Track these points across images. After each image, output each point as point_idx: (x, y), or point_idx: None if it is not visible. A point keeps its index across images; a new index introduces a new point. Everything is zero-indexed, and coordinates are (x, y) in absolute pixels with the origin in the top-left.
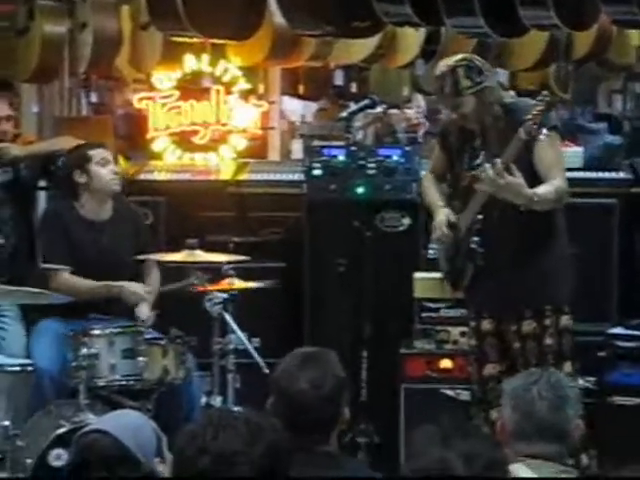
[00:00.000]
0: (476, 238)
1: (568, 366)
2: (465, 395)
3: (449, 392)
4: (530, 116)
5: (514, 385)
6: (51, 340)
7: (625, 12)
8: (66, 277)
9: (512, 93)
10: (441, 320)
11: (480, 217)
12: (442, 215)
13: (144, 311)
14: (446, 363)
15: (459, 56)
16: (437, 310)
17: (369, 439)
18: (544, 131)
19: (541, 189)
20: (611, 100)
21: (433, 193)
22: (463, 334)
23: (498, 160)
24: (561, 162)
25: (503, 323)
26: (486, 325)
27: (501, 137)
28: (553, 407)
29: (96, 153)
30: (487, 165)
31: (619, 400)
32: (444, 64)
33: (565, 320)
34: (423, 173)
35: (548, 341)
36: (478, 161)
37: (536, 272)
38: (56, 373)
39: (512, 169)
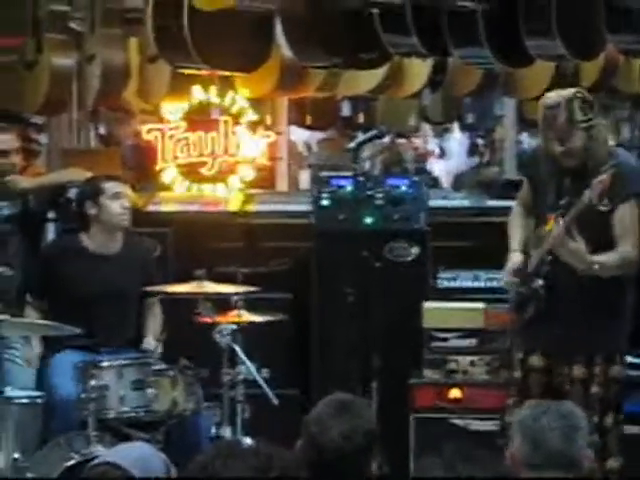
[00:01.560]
0: (541, 281)
1: (611, 417)
2: (475, 425)
3: (459, 422)
4: (596, 182)
5: (524, 414)
6: (71, 371)
7: (632, 41)
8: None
9: (610, 164)
10: (450, 350)
11: (549, 258)
12: (510, 262)
13: (150, 343)
14: (456, 393)
15: (573, 89)
16: (446, 340)
17: (379, 470)
18: (606, 201)
19: (603, 257)
20: (619, 128)
21: (513, 231)
22: (473, 363)
23: (561, 221)
24: (634, 231)
25: (555, 362)
26: (535, 361)
27: (583, 188)
28: (563, 437)
29: (109, 186)
30: (559, 224)
31: (632, 429)
32: (557, 94)
33: (615, 371)
34: (431, 202)
35: (594, 389)
36: (562, 202)
37: (593, 320)
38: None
39: (573, 233)
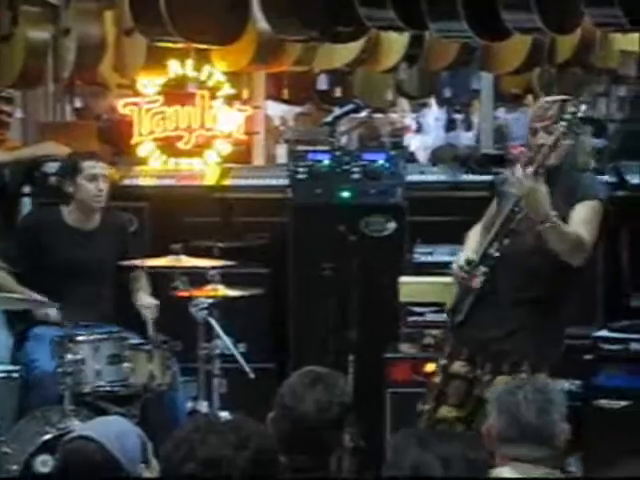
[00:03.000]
0: (484, 269)
1: None
2: None
3: None
4: (559, 125)
5: (500, 390)
6: (48, 345)
7: (608, 15)
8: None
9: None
10: (427, 324)
11: (492, 252)
12: (460, 255)
13: (147, 299)
14: (431, 367)
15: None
16: (423, 314)
17: (354, 443)
18: (552, 156)
19: (562, 223)
20: (595, 103)
21: (468, 240)
22: None
23: (530, 168)
24: (593, 227)
25: (478, 369)
26: (458, 367)
27: (559, 196)
28: (539, 411)
29: (87, 166)
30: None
31: (604, 403)
32: (551, 98)
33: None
34: (408, 177)
35: None
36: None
37: (526, 329)
38: None
39: (539, 179)
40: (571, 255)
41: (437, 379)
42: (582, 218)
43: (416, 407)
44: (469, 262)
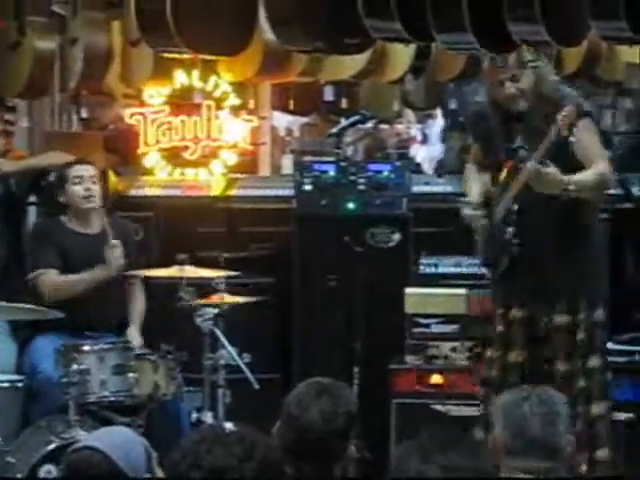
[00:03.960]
0: (510, 229)
1: (596, 360)
2: (455, 411)
3: (440, 407)
4: (560, 117)
5: (505, 401)
6: (53, 354)
7: (614, 28)
8: (53, 278)
9: (571, 99)
10: (432, 336)
11: (515, 207)
12: (470, 194)
13: (135, 336)
14: (437, 378)
15: None
16: (428, 326)
17: (360, 454)
18: (574, 130)
19: (578, 175)
20: (601, 116)
21: (470, 184)
22: (454, 349)
23: (532, 159)
24: (599, 147)
25: (535, 312)
26: (516, 312)
27: (544, 119)
28: (544, 423)
29: (72, 171)
30: (529, 163)
31: (615, 416)
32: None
33: (597, 315)
34: (414, 188)
35: (580, 335)
36: (515, 145)
37: (571, 265)
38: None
39: (546, 163)
40: (601, 192)
41: (499, 328)
42: (589, 145)
43: (423, 411)
44: (481, 205)
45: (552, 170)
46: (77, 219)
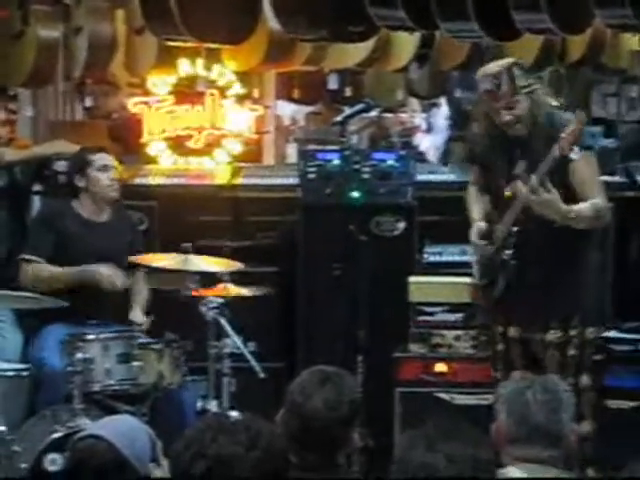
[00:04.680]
0: (509, 251)
1: (585, 379)
2: (460, 399)
3: (444, 396)
4: (564, 135)
5: (509, 389)
6: (58, 343)
7: (619, 16)
8: (38, 267)
9: (574, 116)
10: (436, 324)
11: (515, 229)
12: (474, 228)
13: (138, 315)
14: (441, 367)
15: (508, 59)
16: (432, 314)
17: (364, 442)
18: (576, 149)
19: (578, 205)
20: (605, 104)
21: (472, 206)
22: (458, 338)
23: (533, 176)
24: (598, 181)
25: (529, 332)
26: (513, 332)
27: (543, 146)
28: (548, 411)
29: (97, 158)
30: (529, 179)
31: (615, 404)
32: (496, 64)
33: (589, 333)
34: (418, 177)
35: (571, 352)
36: (517, 170)
37: (566, 284)
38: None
39: (547, 185)
40: (595, 224)
41: (499, 347)
42: (587, 179)
43: (427, 400)
44: (485, 235)
45: (553, 195)
46: (91, 205)
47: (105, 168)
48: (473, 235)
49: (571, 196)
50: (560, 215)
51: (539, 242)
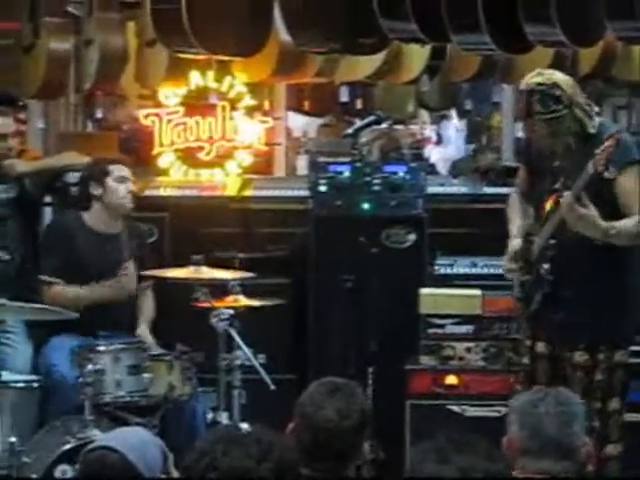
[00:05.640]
0: (546, 265)
1: (616, 402)
2: (471, 411)
3: (455, 408)
4: (599, 151)
5: (521, 401)
6: (68, 354)
7: (630, 29)
8: (59, 290)
9: (598, 121)
10: (447, 336)
11: (552, 242)
12: (509, 248)
13: (145, 332)
14: (452, 379)
15: (543, 76)
16: (443, 326)
17: (375, 455)
18: (612, 169)
19: (620, 222)
20: (616, 116)
21: (512, 216)
22: (469, 350)
23: (568, 193)
24: None
25: (558, 349)
26: (541, 348)
27: (577, 166)
28: (561, 424)
29: (115, 169)
30: (565, 194)
31: (634, 417)
32: (525, 82)
33: (619, 356)
34: (429, 189)
35: (598, 376)
36: (557, 185)
37: (596, 307)
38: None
39: (584, 201)
40: (638, 241)
41: (525, 360)
42: (631, 194)
43: (438, 412)
44: (521, 256)
45: (589, 211)
46: (103, 216)
47: (123, 179)
48: (507, 257)
49: (614, 213)
50: (599, 232)
51: (574, 258)
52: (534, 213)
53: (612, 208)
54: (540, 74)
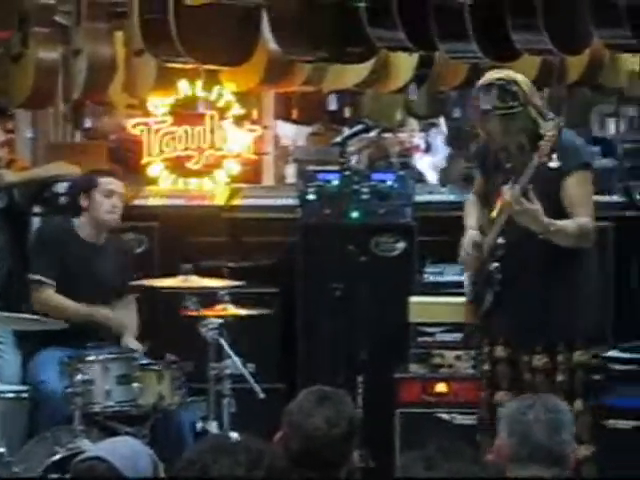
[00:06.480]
0: (496, 264)
1: (579, 404)
2: (460, 419)
3: (445, 416)
4: (543, 142)
5: (510, 409)
6: (57, 365)
7: (617, 36)
8: (50, 294)
9: (552, 124)
10: (436, 344)
11: (501, 241)
12: (467, 236)
13: (132, 341)
14: (441, 387)
15: (502, 73)
16: (432, 334)
17: (364, 463)
18: (554, 157)
19: (562, 221)
20: (604, 124)
21: (468, 215)
22: (458, 358)
23: (516, 186)
24: (589, 201)
25: (516, 352)
26: (499, 352)
27: (526, 165)
28: (549, 431)
29: (104, 182)
30: (512, 187)
31: (615, 424)
32: (485, 78)
33: (578, 356)
34: (417, 197)
35: (559, 378)
36: (509, 185)
37: (549, 305)
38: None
39: (530, 195)
40: (579, 244)
41: (485, 366)
42: (577, 198)
43: (428, 420)
44: (477, 246)
45: (535, 206)
46: (89, 227)
47: (110, 193)
48: (466, 244)
49: (564, 212)
50: (541, 227)
51: (524, 257)
52: (487, 214)
53: (559, 209)
54: (499, 72)
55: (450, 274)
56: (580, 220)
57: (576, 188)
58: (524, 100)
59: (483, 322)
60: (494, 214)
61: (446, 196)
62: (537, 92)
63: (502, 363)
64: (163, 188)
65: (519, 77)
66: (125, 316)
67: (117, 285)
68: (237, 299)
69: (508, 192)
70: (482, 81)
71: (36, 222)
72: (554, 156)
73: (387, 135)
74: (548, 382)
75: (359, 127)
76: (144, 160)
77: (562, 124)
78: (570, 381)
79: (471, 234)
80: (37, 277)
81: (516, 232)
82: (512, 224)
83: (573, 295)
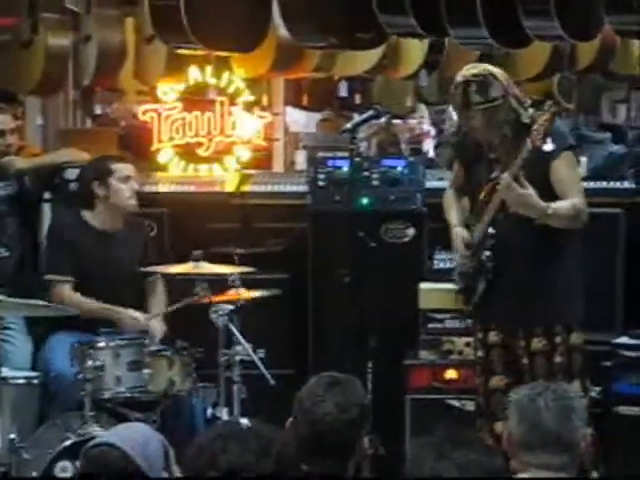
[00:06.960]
0: (488, 253)
1: (577, 385)
2: (470, 405)
3: (454, 402)
4: (536, 126)
5: (520, 396)
6: (68, 351)
7: (629, 22)
8: (68, 292)
9: (530, 112)
10: (446, 331)
11: (492, 231)
12: (457, 237)
13: (157, 328)
14: (451, 374)
15: (478, 68)
16: (442, 321)
17: (374, 450)
18: (549, 141)
19: (556, 203)
20: (615, 110)
21: (450, 210)
22: (468, 344)
23: (507, 173)
24: (578, 181)
25: (511, 337)
26: (493, 337)
27: (512, 156)
28: (560, 418)
29: (118, 168)
30: (504, 174)
31: (625, 410)
32: (461, 74)
33: (575, 338)
34: (427, 184)
35: (558, 359)
36: (494, 174)
37: (546, 290)
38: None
39: (522, 181)
40: (574, 225)
41: (479, 353)
42: (567, 179)
43: (438, 407)
44: (467, 244)
45: (528, 191)
46: (106, 215)
47: (127, 179)
48: (458, 244)
49: (551, 195)
50: (537, 211)
51: (516, 245)
52: (469, 206)
53: (549, 193)
54: (475, 67)
55: None
56: (573, 200)
57: (566, 169)
58: (503, 92)
59: (475, 310)
60: (481, 201)
61: None
62: (512, 82)
63: (496, 348)
64: (173, 175)
65: (495, 69)
66: (152, 298)
67: (137, 268)
68: (247, 285)
69: (500, 180)
70: (459, 77)
71: (47, 208)
72: (548, 140)
73: (397, 121)
74: (547, 364)
75: (369, 113)
76: (154, 147)
77: (554, 109)
78: (568, 363)
79: (458, 232)
80: (52, 276)
81: (506, 221)
82: (502, 212)
83: (563, 280)
